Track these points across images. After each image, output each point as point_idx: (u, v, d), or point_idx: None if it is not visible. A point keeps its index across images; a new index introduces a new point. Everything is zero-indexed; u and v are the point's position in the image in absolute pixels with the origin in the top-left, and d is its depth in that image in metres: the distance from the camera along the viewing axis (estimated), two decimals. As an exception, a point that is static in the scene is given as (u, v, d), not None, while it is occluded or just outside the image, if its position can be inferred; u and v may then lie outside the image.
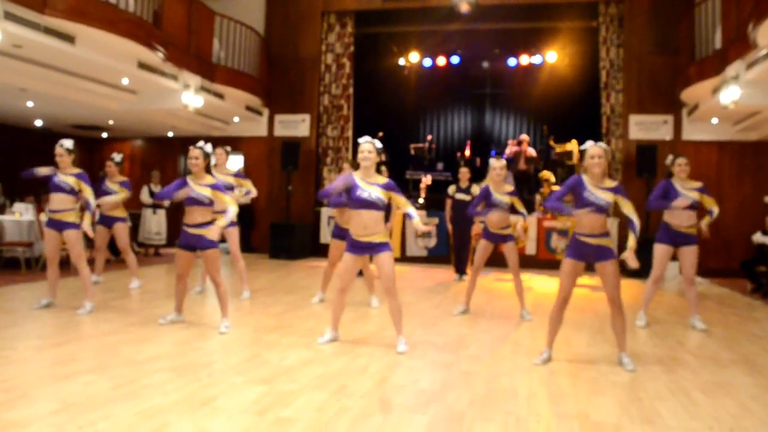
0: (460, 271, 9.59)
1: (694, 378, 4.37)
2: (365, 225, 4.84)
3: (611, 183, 4.57)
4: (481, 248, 6.54)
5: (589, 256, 4.58)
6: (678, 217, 6.08)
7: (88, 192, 6.12)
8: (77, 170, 6.14)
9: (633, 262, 4.60)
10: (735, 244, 10.78)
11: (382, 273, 4.91)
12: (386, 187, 4.87)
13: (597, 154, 4.50)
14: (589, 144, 4.58)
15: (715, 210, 6.12)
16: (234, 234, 7.21)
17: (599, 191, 4.51)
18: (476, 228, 9.40)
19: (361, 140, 4.98)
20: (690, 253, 6.07)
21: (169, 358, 4.46)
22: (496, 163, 6.43)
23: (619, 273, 4.60)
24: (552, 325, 4.75)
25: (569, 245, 4.70)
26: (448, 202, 9.47)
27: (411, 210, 4.99)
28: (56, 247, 6.18)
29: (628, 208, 4.59)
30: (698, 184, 6.08)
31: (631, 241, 4.65)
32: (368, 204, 4.81)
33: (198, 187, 5.31)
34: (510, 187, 6.51)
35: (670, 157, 6.24)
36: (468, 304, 6.76)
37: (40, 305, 6.15)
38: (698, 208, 6.04)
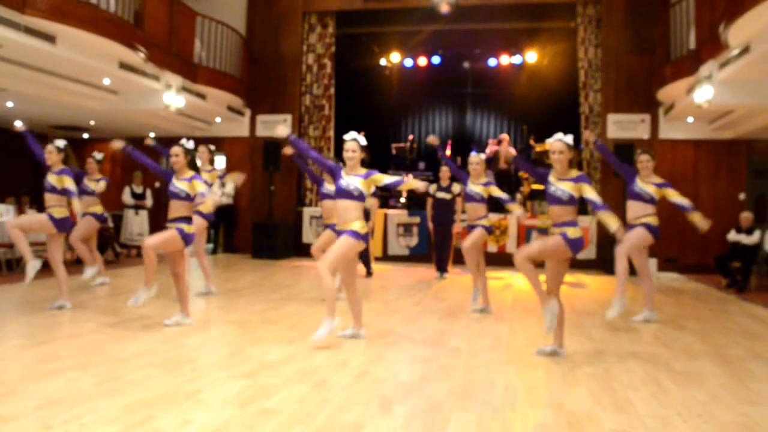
0: (442, 269, 9.68)
1: (666, 369, 4.50)
2: (340, 215, 5.04)
3: (575, 173, 4.65)
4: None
5: None
6: (629, 209, 6.35)
7: (68, 182, 6.26)
8: (62, 167, 6.28)
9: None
10: (710, 240, 10.98)
11: (330, 249, 4.99)
12: (366, 177, 5.00)
13: (558, 149, 4.61)
14: (552, 138, 4.69)
15: (683, 201, 6.06)
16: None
17: (560, 183, 4.63)
18: (457, 227, 9.52)
19: (346, 137, 5.09)
20: (628, 237, 6.03)
21: (152, 354, 4.51)
22: (473, 158, 6.70)
23: (566, 268, 4.73)
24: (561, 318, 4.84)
25: None
26: (429, 201, 9.58)
27: (389, 180, 5.05)
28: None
29: (590, 193, 4.59)
30: (659, 180, 6.25)
31: (610, 221, 4.56)
32: (344, 193, 4.99)
33: (178, 182, 5.45)
34: (485, 179, 6.67)
35: (638, 152, 6.48)
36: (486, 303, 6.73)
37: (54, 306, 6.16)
38: (652, 202, 6.21)
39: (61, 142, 6.37)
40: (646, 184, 6.26)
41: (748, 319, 6.76)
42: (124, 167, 13.94)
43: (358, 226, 4.98)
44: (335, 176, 5.08)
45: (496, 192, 6.61)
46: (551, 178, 4.69)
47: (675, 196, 6.11)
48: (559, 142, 4.63)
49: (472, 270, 6.66)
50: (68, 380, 3.79)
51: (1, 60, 7.90)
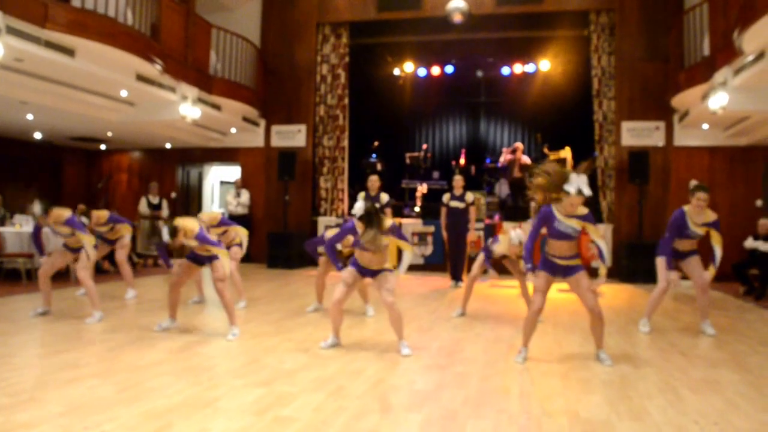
0: (456, 277, 9.68)
1: (684, 377, 4.48)
2: (370, 260, 5.15)
3: (583, 210, 4.69)
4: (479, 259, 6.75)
5: (558, 273, 4.86)
6: (681, 244, 6.11)
7: (83, 238, 6.29)
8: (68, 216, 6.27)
9: (598, 290, 4.79)
10: (727, 247, 10.74)
11: (383, 288, 5.10)
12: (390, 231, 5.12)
13: (578, 202, 4.57)
14: (573, 189, 4.53)
15: (718, 251, 5.88)
16: (236, 252, 7.35)
17: (568, 220, 4.67)
18: (471, 235, 9.53)
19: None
20: (696, 263, 6.12)
21: (170, 363, 4.56)
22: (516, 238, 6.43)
23: (589, 281, 4.79)
24: (528, 330, 4.99)
25: (541, 261, 4.90)
26: (443, 210, 9.59)
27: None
28: (58, 264, 6.39)
29: (596, 235, 4.74)
30: (711, 219, 5.93)
31: (602, 270, 4.80)
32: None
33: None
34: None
35: (693, 183, 6.16)
36: (465, 308, 6.98)
37: (36, 312, 6.35)
38: (704, 238, 6.04)
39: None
40: (699, 226, 5.94)
41: (767, 326, 6.70)
42: (140, 178, 14.10)
43: (391, 263, 5.32)
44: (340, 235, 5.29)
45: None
46: (557, 216, 4.69)
47: (716, 240, 5.90)
48: (578, 196, 4.54)
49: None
50: (89, 388, 3.86)
51: (21, 74, 8.05)
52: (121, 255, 7.84)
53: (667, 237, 6.01)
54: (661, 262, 6.19)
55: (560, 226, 4.67)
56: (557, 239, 4.74)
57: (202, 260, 5.71)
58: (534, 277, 4.83)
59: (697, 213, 5.93)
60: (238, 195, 12.69)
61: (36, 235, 6.52)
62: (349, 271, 5.19)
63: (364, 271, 5.20)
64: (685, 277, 6.42)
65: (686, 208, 5.98)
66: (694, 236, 6.02)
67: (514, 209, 12.53)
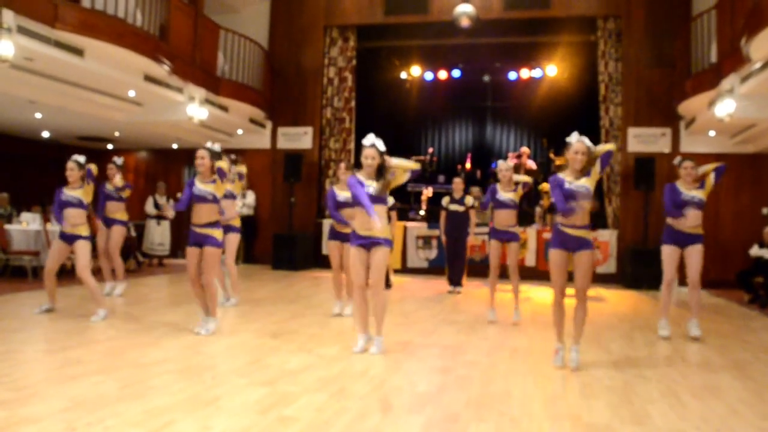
0: (455, 282, 9.53)
1: (686, 382, 4.48)
2: (368, 220, 4.91)
3: (585, 177, 4.74)
4: (493, 249, 6.83)
5: (568, 245, 4.80)
6: (682, 221, 6.04)
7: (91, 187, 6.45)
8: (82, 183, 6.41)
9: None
10: (732, 255, 10.87)
11: (372, 265, 5.02)
12: (385, 179, 5.01)
13: (581, 150, 4.67)
14: (574, 138, 4.72)
15: (714, 167, 6.04)
16: (232, 241, 7.29)
17: (578, 181, 4.69)
18: (472, 240, 9.37)
19: (365, 142, 5.04)
20: (695, 253, 6.02)
21: (174, 361, 4.59)
22: (503, 165, 6.81)
23: (592, 266, 4.85)
24: (556, 318, 4.96)
25: (552, 236, 4.92)
26: (443, 214, 9.38)
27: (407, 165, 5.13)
28: (61, 259, 6.41)
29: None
30: (698, 184, 6.07)
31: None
32: (372, 199, 4.92)
33: (203, 185, 5.60)
34: (513, 185, 6.79)
35: (678, 159, 6.27)
36: (494, 306, 6.90)
37: (41, 310, 6.39)
38: (704, 207, 6.08)
39: (81, 157, 6.43)
40: (693, 191, 6.04)
41: (771, 334, 6.68)
42: (147, 178, 14.16)
43: (389, 234, 5.06)
44: (358, 188, 4.95)
45: (524, 179, 6.89)
46: (567, 179, 4.72)
47: (711, 175, 6.06)
48: (580, 143, 4.69)
49: (517, 289, 6.90)
50: (92, 384, 3.88)
51: (31, 73, 8.10)
52: (114, 245, 7.68)
53: (669, 210, 6.04)
54: (665, 251, 6.19)
55: (572, 186, 4.67)
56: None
57: (201, 242, 5.58)
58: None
59: (688, 182, 6.06)
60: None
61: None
62: (351, 253, 5.11)
63: (362, 240, 5.01)
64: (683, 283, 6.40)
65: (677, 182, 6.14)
66: (691, 201, 6.00)
67: (519, 214, 12.48)
